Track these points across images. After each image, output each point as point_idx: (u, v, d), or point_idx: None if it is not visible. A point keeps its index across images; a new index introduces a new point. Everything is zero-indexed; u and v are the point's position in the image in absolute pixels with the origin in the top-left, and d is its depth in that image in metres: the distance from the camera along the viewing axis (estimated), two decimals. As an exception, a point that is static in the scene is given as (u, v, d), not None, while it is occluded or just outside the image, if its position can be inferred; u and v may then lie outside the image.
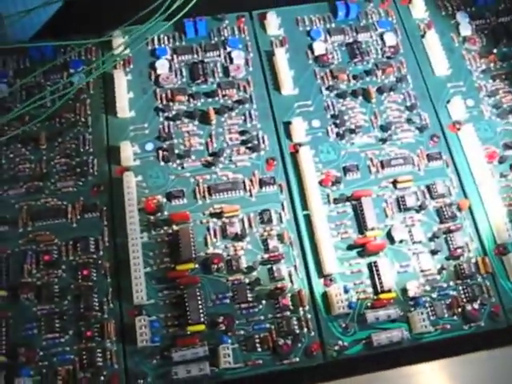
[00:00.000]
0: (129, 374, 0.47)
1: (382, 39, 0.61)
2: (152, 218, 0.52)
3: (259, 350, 0.48)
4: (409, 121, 0.57)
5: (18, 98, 0.57)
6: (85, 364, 0.47)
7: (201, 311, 0.48)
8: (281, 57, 0.58)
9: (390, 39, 0.61)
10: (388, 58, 0.60)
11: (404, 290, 0.50)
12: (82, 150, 0.55)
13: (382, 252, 0.52)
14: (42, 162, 0.55)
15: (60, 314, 0.49)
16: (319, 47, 0.60)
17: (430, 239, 0.52)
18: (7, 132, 0.55)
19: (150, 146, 0.55)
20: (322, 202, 0.52)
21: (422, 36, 0.61)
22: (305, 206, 0.53)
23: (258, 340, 0.48)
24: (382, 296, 0.50)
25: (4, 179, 0.54)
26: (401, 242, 0.52)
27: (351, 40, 0.61)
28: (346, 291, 0.50)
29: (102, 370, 0.47)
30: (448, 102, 0.58)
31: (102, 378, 0.47)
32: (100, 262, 0.51)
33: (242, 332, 0.49)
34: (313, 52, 0.60)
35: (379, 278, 0.50)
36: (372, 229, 0.52)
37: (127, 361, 0.47)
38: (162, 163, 0.54)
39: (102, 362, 0.47)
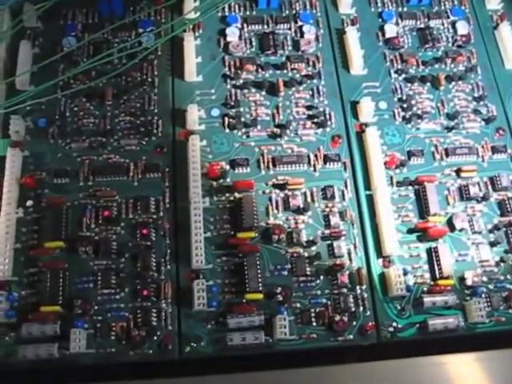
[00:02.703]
0: (182, 336, 0.47)
1: (453, 27, 0.60)
2: (215, 183, 0.52)
3: (314, 324, 0.48)
4: (476, 111, 0.57)
5: (85, 52, 0.57)
6: (139, 322, 0.47)
7: (259, 280, 0.48)
8: (352, 36, 0.58)
9: (462, 28, 0.60)
10: (459, 46, 0.59)
11: (461, 279, 0.50)
12: (146, 109, 0.55)
13: (441, 239, 0.51)
14: (107, 118, 0.54)
15: (117, 271, 0.49)
16: (390, 30, 0.59)
17: (490, 231, 0.52)
18: (73, 86, 0.55)
19: (216, 112, 0.55)
20: (386, 184, 0.52)
21: (495, 27, 0.61)
22: (368, 186, 0.53)
23: (313, 314, 0.48)
24: (439, 282, 0.50)
25: (67, 132, 0.53)
26: (461, 230, 0.52)
27: (423, 25, 0.60)
28: (405, 274, 0.49)
29: (156, 329, 0.47)
30: (516, 95, 0.58)
31: (155, 337, 0.47)
32: (160, 222, 0.50)
33: (298, 305, 0.48)
34: (384, 34, 0.59)
35: (438, 264, 0.50)
36: (434, 214, 0.51)
37: (182, 323, 0.47)
38: (228, 130, 0.54)
39: (157, 322, 0.47)
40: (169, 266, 0.49)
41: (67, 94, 0.55)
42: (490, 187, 0.54)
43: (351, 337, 0.48)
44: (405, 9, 0.61)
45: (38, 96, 0.53)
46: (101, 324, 0.47)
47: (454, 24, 0.61)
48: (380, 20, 0.60)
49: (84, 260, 0.49)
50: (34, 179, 0.51)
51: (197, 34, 0.58)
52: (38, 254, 0.49)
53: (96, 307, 0.48)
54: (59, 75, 0.55)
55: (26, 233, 0.50)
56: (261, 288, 0.48)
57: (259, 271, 0.49)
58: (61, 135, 0.53)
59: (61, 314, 0.47)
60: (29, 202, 0.51)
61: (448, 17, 0.61)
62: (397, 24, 0.60)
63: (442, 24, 0.61)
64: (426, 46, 0.59)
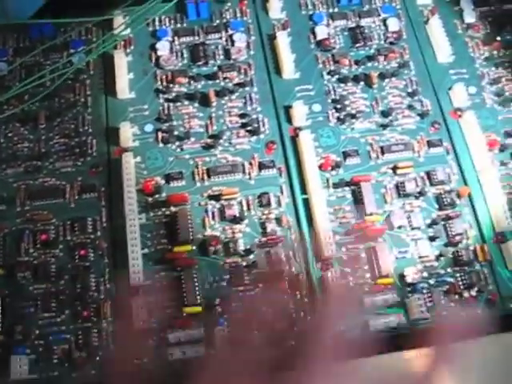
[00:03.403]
0: (124, 354, 0.47)
1: (384, 24, 0.60)
2: (150, 199, 0.52)
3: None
4: (410, 107, 0.56)
5: (17, 76, 0.57)
6: (80, 344, 0.47)
7: (197, 293, 0.48)
8: (282, 40, 0.58)
9: (393, 25, 0.60)
10: (391, 43, 0.59)
11: (401, 276, 0.50)
12: (80, 130, 0.55)
13: (380, 237, 0.51)
14: (41, 141, 0.54)
15: (56, 294, 0.49)
16: (321, 31, 0.59)
17: (429, 226, 0.52)
18: (5, 111, 0.55)
19: (149, 128, 0.55)
20: (321, 186, 0.52)
21: (425, 22, 0.61)
22: (304, 190, 0.53)
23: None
24: (379, 281, 0.50)
25: (2, 158, 0.53)
26: (399, 227, 0.52)
27: (354, 25, 0.60)
28: (344, 276, 0.50)
29: (98, 350, 0.47)
30: (450, 88, 0.57)
31: (98, 358, 0.47)
32: (97, 242, 0.50)
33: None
34: (315, 36, 0.59)
35: (377, 264, 0.50)
36: (371, 214, 0.52)
37: (123, 341, 0.48)
38: (161, 145, 0.54)
39: (98, 343, 0.47)
40: (108, 285, 0.49)
41: (1, 120, 0.55)
42: (427, 182, 0.54)
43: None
44: (335, 9, 0.61)
45: (-30, 124, 0.54)
46: (42, 348, 0.47)
47: (385, 21, 0.60)
48: (311, 22, 0.60)
49: (23, 285, 0.49)
50: (-31, 208, 0.51)
51: (128, 50, 0.58)
52: (-25, 282, 0.49)
53: (37, 332, 0.47)
54: (-9, 102, 0.56)
55: (-36, 262, 0.50)
56: (199, 301, 0.48)
57: (196, 284, 0.49)
58: (-4, 162, 0.54)
59: (1, 341, 0.47)
60: (-35, 232, 0.51)
61: (379, 14, 0.61)
62: (328, 25, 0.60)
63: (373, 22, 0.60)
64: (358, 45, 0.59)
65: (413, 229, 0.52)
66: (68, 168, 0.53)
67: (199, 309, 0.48)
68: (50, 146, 0.54)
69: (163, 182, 0.53)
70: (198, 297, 0.48)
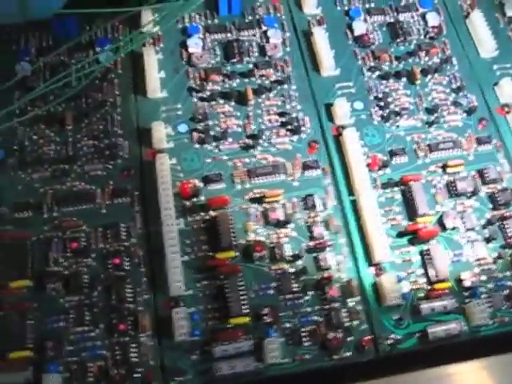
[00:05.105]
0: (166, 370, 0.43)
1: (424, 19, 0.58)
2: (188, 203, 0.49)
3: (306, 344, 0.45)
4: (455, 103, 0.54)
5: (41, 77, 0.53)
6: (118, 360, 0.44)
7: (243, 302, 0.45)
8: (320, 36, 0.55)
9: (433, 19, 0.57)
10: (431, 38, 0.57)
11: (458, 280, 0.47)
12: (110, 131, 0.51)
13: (433, 240, 0.48)
14: (68, 143, 0.51)
15: (90, 306, 0.45)
16: (359, 27, 0.56)
17: (484, 226, 0.49)
18: (30, 112, 0.52)
19: (183, 128, 0.52)
20: (370, 187, 0.49)
21: (466, 16, 0.58)
22: (351, 191, 0.50)
23: (304, 333, 0.45)
24: (437, 286, 0.47)
25: (27, 162, 0.50)
26: (453, 229, 0.49)
27: (392, 20, 0.58)
28: (399, 280, 0.46)
29: (137, 366, 0.43)
30: (495, 84, 0.55)
31: (137, 375, 0.43)
32: (133, 249, 0.47)
33: (287, 325, 0.45)
34: (352, 32, 0.56)
35: (433, 267, 0.47)
36: (423, 215, 0.48)
37: (164, 357, 0.44)
38: (197, 145, 0.51)
39: (137, 358, 0.44)
40: (146, 296, 0.46)
41: (25, 122, 0.51)
42: (478, 181, 0.51)
43: (348, 354, 0.45)
44: (372, 4, 0.58)
45: (-7, 127, 0.50)
46: (76, 365, 0.43)
47: (423, 16, 0.58)
48: (347, 18, 0.58)
49: (53, 297, 0.45)
50: (-8, 215, 0.48)
51: (157, 47, 0.55)
52: (2, 295, 0.45)
53: (69, 347, 0.44)
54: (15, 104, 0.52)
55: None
56: (245, 311, 0.45)
57: (242, 293, 0.45)
58: (20, 166, 0.50)
59: (32, 358, 0.43)
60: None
61: (417, 9, 0.58)
62: (365, 21, 0.57)
63: (412, 17, 0.58)
64: (398, 40, 0.56)
65: (467, 230, 0.49)
66: (98, 171, 0.50)
67: (246, 319, 0.45)
68: (78, 149, 0.51)
69: (201, 184, 0.49)
70: (244, 306, 0.45)
